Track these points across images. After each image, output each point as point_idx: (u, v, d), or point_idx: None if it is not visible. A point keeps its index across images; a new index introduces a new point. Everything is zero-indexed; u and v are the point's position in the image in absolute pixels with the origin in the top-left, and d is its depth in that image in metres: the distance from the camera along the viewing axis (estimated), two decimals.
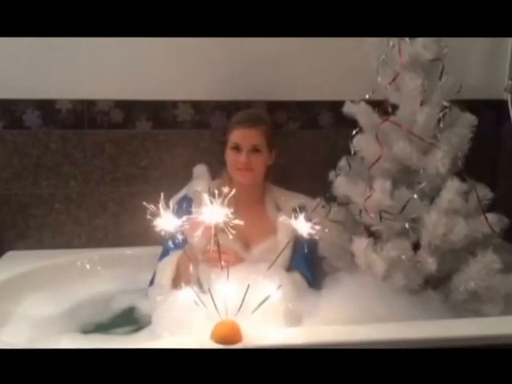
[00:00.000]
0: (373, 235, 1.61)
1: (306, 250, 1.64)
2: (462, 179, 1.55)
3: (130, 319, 1.70)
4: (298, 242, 1.53)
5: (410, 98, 1.59)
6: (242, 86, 1.94)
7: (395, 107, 1.66)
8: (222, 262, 1.33)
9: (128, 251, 2.00)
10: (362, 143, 1.64)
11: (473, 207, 1.57)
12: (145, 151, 1.98)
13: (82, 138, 1.94)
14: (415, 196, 1.56)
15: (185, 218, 1.34)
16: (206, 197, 1.28)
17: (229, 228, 1.27)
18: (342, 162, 1.71)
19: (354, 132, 1.66)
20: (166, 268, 1.69)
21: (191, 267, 1.55)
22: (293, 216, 1.38)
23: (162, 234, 1.31)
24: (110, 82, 1.92)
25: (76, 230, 2.00)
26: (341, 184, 1.65)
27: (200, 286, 1.50)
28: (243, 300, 1.26)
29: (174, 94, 1.95)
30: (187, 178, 1.84)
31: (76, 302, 1.77)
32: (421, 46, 1.57)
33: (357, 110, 1.67)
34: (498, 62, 2.08)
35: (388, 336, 1.35)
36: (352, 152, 1.67)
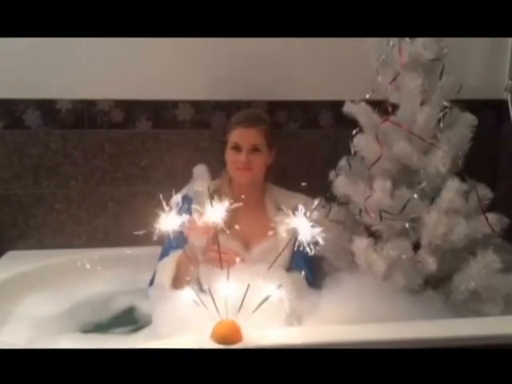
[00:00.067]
0: (373, 235, 1.61)
1: (305, 250, 1.64)
2: (462, 179, 1.54)
3: (130, 319, 1.70)
4: (297, 241, 1.53)
5: (410, 97, 1.59)
6: (242, 85, 1.94)
7: (395, 107, 1.66)
8: (222, 262, 1.33)
9: (128, 251, 2.00)
10: (362, 143, 1.64)
11: (473, 207, 1.57)
12: (145, 151, 1.98)
13: (82, 138, 1.94)
14: (415, 196, 1.56)
15: (185, 217, 1.34)
16: (205, 197, 1.28)
17: (228, 228, 1.27)
18: (342, 162, 1.71)
19: (354, 132, 1.66)
20: (166, 268, 1.69)
21: (191, 267, 1.56)
22: (293, 216, 1.38)
23: (155, 234, 1.31)
24: (110, 82, 1.93)
25: (76, 229, 2.00)
26: (341, 184, 1.65)
27: (200, 285, 1.50)
28: (243, 300, 1.26)
29: (174, 93, 1.95)
30: (187, 177, 1.84)
31: (76, 302, 1.78)
32: (421, 46, 1.57)
33: (357, 109, 1.67)
34: (498, 62, 2.08)
35: (388, 336, 1.35)
36: (352, 152, 1.67)
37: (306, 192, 1.78)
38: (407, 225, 1.55)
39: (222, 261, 1.34)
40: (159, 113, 1.96)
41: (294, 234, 1.39)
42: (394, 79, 1.61)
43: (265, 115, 1.83)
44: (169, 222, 1.33)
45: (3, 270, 1.82)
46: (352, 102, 1.68)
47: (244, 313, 1.28)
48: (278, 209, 1.75)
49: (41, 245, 1.98)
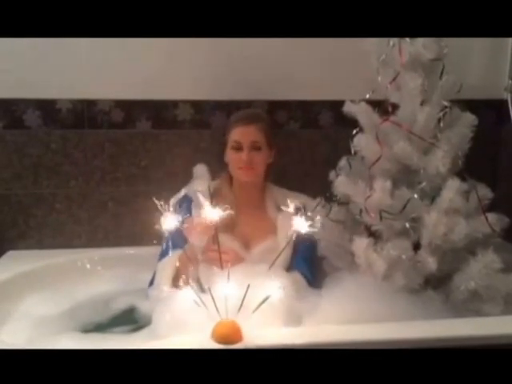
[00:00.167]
0: (373, 235, 1.60)
1: (305, 250, 1.65)
2: (463, 179, 1.54)
3: (130, 319, 1.69)
4: (298, 241, 1.53)
5: (411, 97, 1.59)
6: (242, 85, 1.94)
7: (395, 107, 1.66)
8: (222, 262, 1.33)
9: (128, 251, 2.00)
10: (362, 143, 1.64)
11: (473, 207, 1.57)
12: (145, 151, 1.98)
13: (83, 138, 1.94)
14: (415, 196, 1.56)
15: (185, 217, 1.34)
16: (206, 196, 1.28)
17: (228, 228, 1.27)
18: (343, 162, 1.71)
19: (355, 132, 1.66)
20: (166, 268, 1.69)
21: (191, 267, 1.56)
22: (293, 216, 1.38)
23: (156, 237, 1.31)
24: (110, 82, 1.93)
25: (76, 229, 2.00)
26: (341, 184, 1.65)
27: (200, 285, 1.50)
28: (243, 300, 1.26)
29: (174, 93, 1.95)
30: (187, 177, 1.84)
31: (76, 302, 1.77)
32: (421, 46, 1.57)
33: (357, 109, 1.67)
34: (498, 62, 2.08)
35: (388, 336, 1.35)
36: (352, 152, 1.67)
37: (306, 192, 1.79)
38: (407, 225, 1.55)
39: (222, 261, 1.34)
40: (159, 113, 1.96)
41: (294, 234, 1.39)
42: (394, 79, 1.61)
43: (263, 114, 1.84)
44: (169, 221, 1.33)
45: (3, 270, 1.82)
46: (352, 101, 1.68)
47: (244, 313, 1.27)
48: (279, 209, 1.75)
49: (41, 245, 1.98)
